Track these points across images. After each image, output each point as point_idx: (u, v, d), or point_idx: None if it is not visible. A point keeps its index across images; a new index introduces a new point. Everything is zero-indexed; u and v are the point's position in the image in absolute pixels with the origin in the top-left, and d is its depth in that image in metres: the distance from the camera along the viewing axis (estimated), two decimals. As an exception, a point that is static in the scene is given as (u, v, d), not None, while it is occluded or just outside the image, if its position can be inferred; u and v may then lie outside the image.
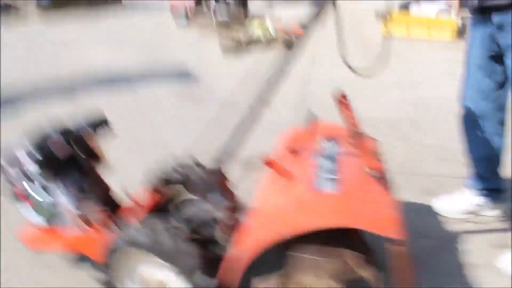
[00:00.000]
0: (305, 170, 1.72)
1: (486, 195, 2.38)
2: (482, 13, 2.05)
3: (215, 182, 1.83)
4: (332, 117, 1.88)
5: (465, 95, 2.31)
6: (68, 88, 4.53)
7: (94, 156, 2.07)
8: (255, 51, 5.79)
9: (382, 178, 1.70)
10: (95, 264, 2.05)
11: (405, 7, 7.40)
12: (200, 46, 6.03)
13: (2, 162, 1.93)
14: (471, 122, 2.31)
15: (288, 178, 1.67)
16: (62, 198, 1.95)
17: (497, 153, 2.30)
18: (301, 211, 1.50)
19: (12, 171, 1.90)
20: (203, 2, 6.93)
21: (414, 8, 7.24)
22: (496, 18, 1.99)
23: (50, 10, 6.97)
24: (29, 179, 1.92)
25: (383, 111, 3.99)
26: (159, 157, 2.50)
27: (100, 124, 2.10)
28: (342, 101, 1.70)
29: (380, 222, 1.45)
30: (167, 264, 1.72)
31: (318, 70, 5.07)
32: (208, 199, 1.84)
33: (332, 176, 1.63)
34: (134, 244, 1.74)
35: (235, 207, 1.87)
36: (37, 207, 1.98)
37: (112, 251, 1.79)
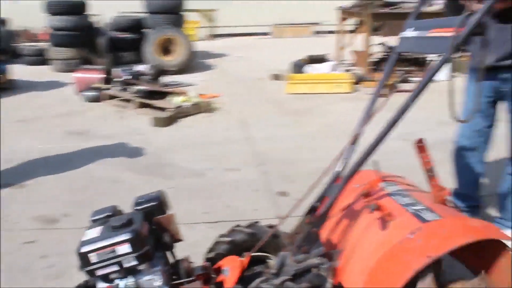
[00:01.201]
0: (393, 208, 1.90)
1: (469, 211, 2.94)
2: (492, 70, 2.55)
3: (314, 233, 1.90)
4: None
5: (462, 133, 2.81)
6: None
7: (172, 234, 2.02)
8: (184, 119, 5.87)
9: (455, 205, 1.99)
10: None
11: (299, 67, 8.13)
12: (123, 120, 5.92)
13: (83, 249, 1.77)
14: (464, 154, 2.88)
15: (391, 217, 1.82)
16: (155, 280, 1.85)
17: (480, 176, 2.89)
18: (436, 238, 1.67)
19: (95, 257, 1.75)
20: (112, 74, 6.85)
21: (307, 68, 7.97)
22: (503, 74, 2.56)
23: None
24: (118, 264, 1.79)
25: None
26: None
27: (164, 200, 2.07)
28: (420, 145, 1.95)
29: (492, 232, 1.72)
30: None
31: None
32: (306, 249, 1.90)
33: (423, 207, 1.86)
34: None
35: (330, 253, 1.96)
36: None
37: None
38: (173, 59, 9.13)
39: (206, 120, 5.91)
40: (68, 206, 3.55)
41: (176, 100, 6.11)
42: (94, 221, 1.97)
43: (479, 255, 1.89)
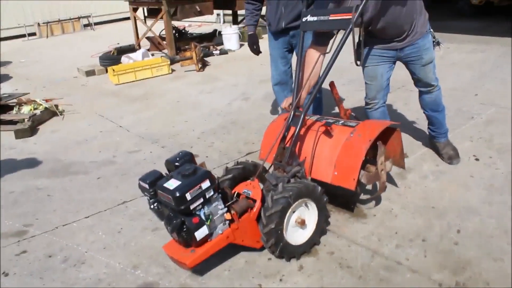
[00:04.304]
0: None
1: None
2: (284, 30, 4.24)
3: (293, 151, 3.04)
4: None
5: (275, 76, 4.60)
6: None
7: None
8: (42, 126, 6.10)
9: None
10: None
11: (110, 59, 8.68)
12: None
13: (179, 193, 2.52)
14: (279, 88, 4.66)
15: (332, 129, 3.09)
16: (219, 204, 2.74)
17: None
18: (367, 131, 3.00)
19: (189, 195, 2.55)
20: None
21: (124, 59, 8.62)
22: (292, 32, 4.21)
23: None
24: (203, 197, 2.62)
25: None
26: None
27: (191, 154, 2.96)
28: (332, 84, 3.27)
29: (389, 122, 3.15)
30: (308, 199, 2.87)
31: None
32: (290, 163, 3.03)
33: (343, 121, 3.20)
34: (295, 195, 2.78)
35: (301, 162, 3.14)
36: (203, 221, 2.66)
37: (275, 214, 2.72)
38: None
39: (66, 122, 6.22)
40: (22, 219, 3.80)
41: (26, 110, 6.24)
42: (152, 182, 2.74)
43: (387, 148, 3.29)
